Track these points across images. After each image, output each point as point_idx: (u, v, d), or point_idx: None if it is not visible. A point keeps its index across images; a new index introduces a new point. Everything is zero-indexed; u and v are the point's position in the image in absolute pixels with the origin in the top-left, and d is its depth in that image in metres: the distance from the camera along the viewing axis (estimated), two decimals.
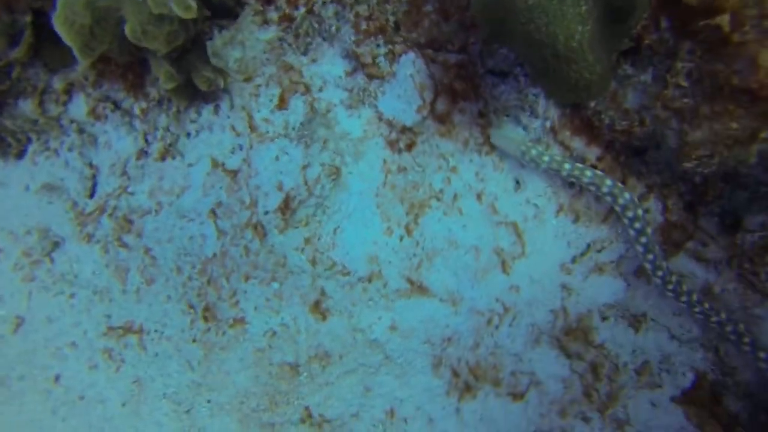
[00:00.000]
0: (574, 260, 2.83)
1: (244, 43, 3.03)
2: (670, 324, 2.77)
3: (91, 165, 3.29)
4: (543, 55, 2.08)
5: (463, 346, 2.98)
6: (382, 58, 2.82)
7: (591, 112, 2.51)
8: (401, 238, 2.95)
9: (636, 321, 2.80)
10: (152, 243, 3.22)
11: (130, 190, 3.24)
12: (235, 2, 3.00)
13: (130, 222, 3.24)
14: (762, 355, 2.48)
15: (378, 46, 2.81)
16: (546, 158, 2.53)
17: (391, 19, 2.79)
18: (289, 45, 3.00)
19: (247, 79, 3.04)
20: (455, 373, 3.00)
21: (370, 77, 2.88)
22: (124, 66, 3.06)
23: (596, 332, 2.84)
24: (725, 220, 2.56)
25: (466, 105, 2.81)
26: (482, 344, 2.96)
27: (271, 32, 3.01)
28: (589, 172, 2.48)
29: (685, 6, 1.99)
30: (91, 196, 3.31)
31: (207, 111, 3.10)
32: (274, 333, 3.13)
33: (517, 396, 2.96)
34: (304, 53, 3.01)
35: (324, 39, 2.96)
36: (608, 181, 2.46)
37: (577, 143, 2.65)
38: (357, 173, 2.96)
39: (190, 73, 2.85)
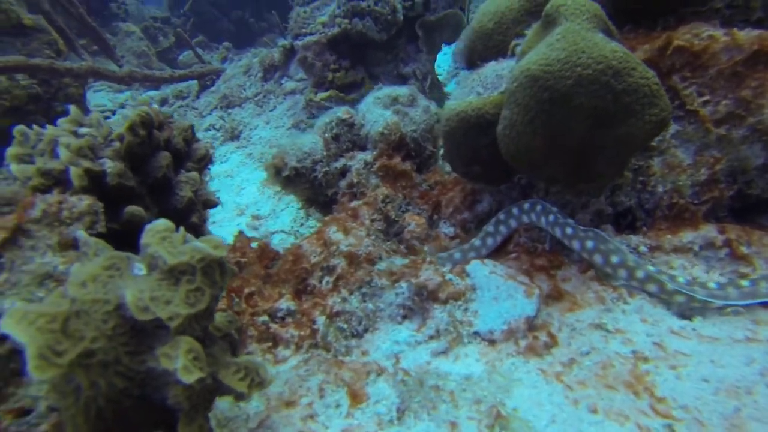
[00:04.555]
0: None
1: (263, 384, 2.11)
2: None
3: None
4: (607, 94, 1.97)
5: None
6: (450, 276, 2.27)
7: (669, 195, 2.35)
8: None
9: None
10: None
11: None
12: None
13: None
14: None
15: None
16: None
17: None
18: (325, 357, 2.20)
19: (290, 404, 1.95)
20: None
21: (450, 300, 2.19)
22: None
23: None
24: None
25: (564, 273, 2.29)
26: None
27: (292, 362, 2.23)
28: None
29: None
30: None
31: None
32: None
33: None
34: (347, 354, 2.21)
35: (362, 332, 2.29)
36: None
37: (687, 235, 2.30)
38: (523, 402, 1.79)
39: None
